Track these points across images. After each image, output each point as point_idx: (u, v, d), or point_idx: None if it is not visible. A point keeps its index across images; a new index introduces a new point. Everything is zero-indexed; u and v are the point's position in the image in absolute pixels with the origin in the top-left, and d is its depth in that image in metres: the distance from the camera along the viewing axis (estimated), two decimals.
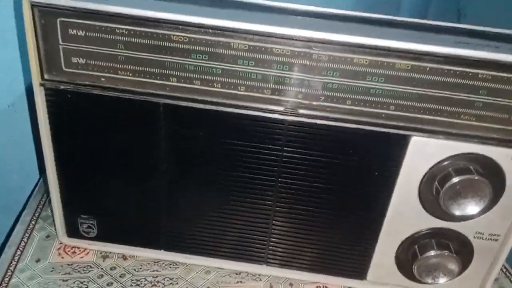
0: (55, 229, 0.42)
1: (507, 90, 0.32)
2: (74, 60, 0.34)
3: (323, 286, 0.42)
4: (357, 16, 0.39)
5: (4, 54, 0.48)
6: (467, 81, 0.32)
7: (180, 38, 0.32)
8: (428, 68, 0.32)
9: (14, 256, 0.41)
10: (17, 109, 0.51)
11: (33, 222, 0.45)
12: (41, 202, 0.48)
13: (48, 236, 0.44)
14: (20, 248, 0.42)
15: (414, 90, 0.32)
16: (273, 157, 0.36)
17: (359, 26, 0.35)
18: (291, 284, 0.42)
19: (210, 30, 0.32)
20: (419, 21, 0.38)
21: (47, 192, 0.49)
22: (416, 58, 0.31)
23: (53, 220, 0.42)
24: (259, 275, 0.42)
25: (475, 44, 0.32)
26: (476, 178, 0.34)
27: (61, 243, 0.43)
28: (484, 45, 0.32)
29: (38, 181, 0.52)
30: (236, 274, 0.42)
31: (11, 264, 0.40)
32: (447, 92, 0.32)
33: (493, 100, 0.32)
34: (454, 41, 0.32)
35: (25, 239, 0.43)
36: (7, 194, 0.57)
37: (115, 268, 0.41)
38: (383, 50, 0.31)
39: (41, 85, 0.35)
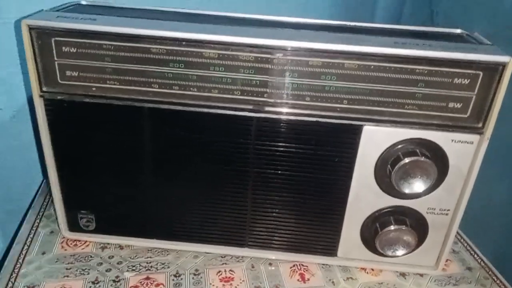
0: (58, 225, 0.47)
1: (441, 82, 0.37)
2: (68, 73, 0.39)
3: (299, 264, 0.47)
4: (315, 24, 0.44)
5: (6, 72, 0.53)
6: (406, 76, 0.37)
7: (159, 50, 0.37)
8: (372, 66, 0.37)
9: (22, 250, 0.46)
10: (20, 119, 0.57)
11: (37, 221, 0.50)
12: (44, 203, 0.53)
13: (51, 232, 0.49)
14: (27, 244, 0.47)
15: (362, 85, 0.38)
16: (246, 150, 0.41)
17: (314, 33, 0.40)
18: (270, 264, 0.46)
19: (184, 42, 0.37)
20: (366, 25, 0.43)
21: (49, 193, 0.54)
22: (361, 58, 0.36)
23: (56, 218, 0.47)
24: (242, 257, 0.47)
25: (412, 44, 0.37)
26: (422, 159, 0.39)
27: (63, 237, 0.47)
28: (420, 44, 0.37)
29: (41, 184, 0.57)
30: (221, 257, 0.47)
31: (19, 258, 0.45)
32: (390, 86, 0.37)
33: (430, 91, 0.37)
34: (394, 42, 0.37)
35: (31, 236, 0.48)
36: (11, 200, 0.62)
37: (113, 256, 0.46)
38: (333, 53, 0.36)
39: (40, 96, 0.40)
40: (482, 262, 0.48)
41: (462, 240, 0.52)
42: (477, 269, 0.47)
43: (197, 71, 0.38)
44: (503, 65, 0.35)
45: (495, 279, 0.46)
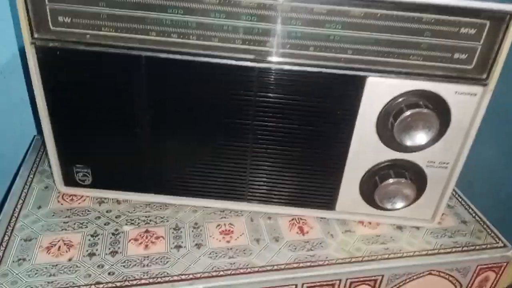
0: (53, 180, 0.46)
1: (448, 32, 0.36)
2: (61, 19, 0.37)
3: (298, 218, 0.47)
4: None
5: None
6: (413, 25, 0.36)
7: None
8: (379, 15, 0.36)
9: (16, 204, 0.45)
10: (8, 75, 0.55)
11: (31, 176, 0.49)
12: (37, 159, 0.52)
13: (46, 187, 0.48)
14: (22, 199, 0.46)
15: (368, 35, 0.37)
16: (247, 102, 0.40)
17: None
18: (269, 218, 0.47)
19: None
20: None
21: (42, 149, 0.53)
22: (367, 6, 0.35)
23: (51, 173, 0.46)
24: (241, 211, 0.47)
25: None
26: (425, 111, 0.38)
27: (59, 192, 0.47)
28: None
29: (32, 140, 0.56)
30: (220, 211, 0.47)
31: (14, 211, 0.44)
32: (396, 36, 0.37)
33: (436, 40, 0.37)
34: None
35: (25, 191, 0.47)
36: (1, 158, 0.60)
37: (110, 211, 0.46)
38: None
39: (32, 43, 0.38)
40: (476, 216, 0.49)
41: (456, 195, 0.52)
42: (472, 222, 0.49)
43: (197, 18, 0.36)
44: (511, 14, 0.35)
45: (489, 232, 0.47)
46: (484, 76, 0.38)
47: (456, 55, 0.37)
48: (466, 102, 0.39)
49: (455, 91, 0.39)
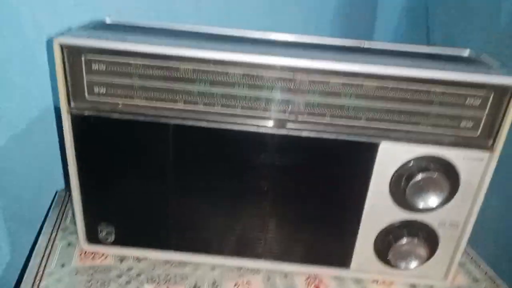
0: (77, 237, 0.48)
1: (455, 102, 0.39)
2: (96, 90, 0.40)
3: (313, 276, 0.48)
4: (332, 44, 0.46)
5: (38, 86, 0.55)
6: (422, 96, 0.39)
7: (186, 69, 0.39)
8: (390, 87, 0.39)
9: (41, 263, 0.46)
10: (35, 131, 0.58)
11: (54, 233, 0.51)
12: (60, 215, 0.54)
13: (69, 245, 0.49)
14: (46, 256, 0.47)
15: (380, 104, 0.39)
16: (267, 165, 0.42)
17: (334, 54, 0.42)
18: (285, 276, 0.48)
19: (212, 62, 0.38)
20: (383, 46, 0.45)
21: (64, 205, 0.55)
22: (380, 79, 0.38)
23: (75, 229, 0.47)
24: (258, 269, 0.48)
25: (428, 66, 0.39)
26: (435, 175, 0.41)
27: (81, 249, 0.48)
28: (434, 66, 0.39)
29: (55, 196, 0.58)
30: (238, 269, 0.48)
31: (39, 270, 0.45)
32: (407, 105, 0.39)
33: (444, 110, 0.39)
34: (410, 64, 0.39)
35: (49, 248, 0.48)
36: (21, 210, 0.62)
37: (131, 268, 0.47)
38: (353, 73, 0.38)
39: (68, 112, 0.41)
40: (487, 273, 0.50)
41: (467, 253, 0.53)
42: (483, 280, 0.49)
43: (222, 89, 0.40)
44: None
45: None
46: (490, 143, 0.40)
47: (463, 123, 0.40)
48: (474, 167, 0.41)
49: (463, 157, 0.41)
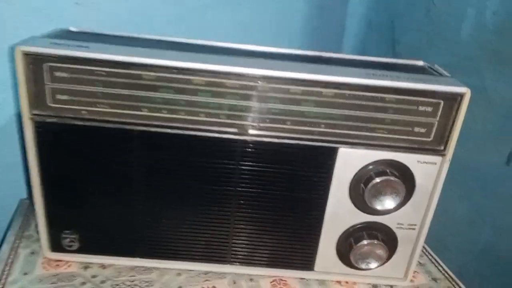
0: (40, 245, 0.47)
1: (408, 109, 0.41)
2: (59, 97, 0.40)
3: (279, 279, 0.49)
4: (294, 54, 0.48)
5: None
6: (377, 103, 0.41)
7: (150, 77, 0.39)
8: (347, 94, 0.40)
9: (3, 271, 0.45)
10: (8, 137, 0.57)
11: (17, 241, 0.50)
12: (23, 223, 0.53)
13: (32, 253, 0.49)
14: (8, 265, 0.46)
15: (338, 111, 0.41)
16: (231, 170, 0.43)
17: (295, 63, 0.43)
18: (251, 279, 0.49)
19: (175, 70, 0.39)
20: (343, 57, 0.47)
21: (28, 212, 0.54)
22: (337, 87, 0.40)
23: (38, 238, 0.47)
24: (224, 273, 0.49)
25: (383, 75, 0.41)
26: (392, 179, 0.42)
27: (45, 257, 0.48)
28: (389, 75, 0.41)
29: (18, 204, 0.57)
30: (204, 274, 0.48)
31: (1, 278, 0.44)
32: (363, 112, 0.41)
33: (398, 117, 0.41)
34: (366, 73, 0.41)
35: (11, 257, 0.48)
36: None
37: (96, 276, 0.47)
38: (312, 82, 0.40)
39: (30, 119, 0.41)
40: (446, 273, 0.53)
41: (427, 253, 0.56)
42: (442, 279, 0.51)
43: (186, 97, 0.40)
44: (461, 95, 0.40)
45: None
46: (442, 147, 0.43)
47: (416, 129, 0.42)
48: (428, 170, 0.44)
49: (417, 160, 0.43)
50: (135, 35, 0.48)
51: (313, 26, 0.79)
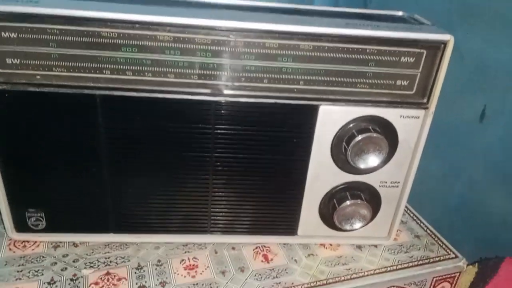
0: (3, 227, 0.44)
1: (390, 61, 0.39)
2: (9, 61, 0.36)
3: (261, 246, 0.47)
4: (268, 7, 0.45)
5: None
6: (358, 56, 0.38)
7: (110, 34, 0.36)
8: (326, 47, 0.38)
9: None
10: None
11: None
12: None
13: None
14: None
15: (317, 66, 0.39)
16: (206, 135, 0.41)
17: (270, 15, 0.40)
18: (233, 248, 0.47)
19: (137, 25, 0.35)
20: (318, 8, 0.44)
21: None
22: (315, 39, 0.37)
23: (1, 218, 0.43)
24: (204, 243, 0.47)
25: (362, 25, 0.39)
26: (374, 135, 0.41)
27: (11, 239, 0.44)
28: (369, 25, 0.39)
29: None
30: (183, 245, 0.46)
31: None
32: (344, 66, 0.39)
33: (380, 69, 0.39)
34: (345, 23, 0.38)
35: None
36: None
37: (67, 255, 0.44)
38: (288, 34, 0.37)
39: None
40: (428, 229, 0.52)
41: (408, 211, 0.55)
42: (424, 236, 0.51)
43: (151, 55, 0.37)
44: (445, 43, 0.38)
45: (441, 244, 0.50)
46: (425, 100, 0.41)
47: (399, 82, 0.40)
48: (411, 125, 0.42)
49: (400, 115, 0.42)
50: None
51: None
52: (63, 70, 0.37)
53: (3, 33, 0.35)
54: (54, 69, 0.37)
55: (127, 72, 0.37)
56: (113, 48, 0.36)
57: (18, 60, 0.36)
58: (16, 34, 0.35)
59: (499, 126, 0.63)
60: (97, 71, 0.37)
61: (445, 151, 0.70)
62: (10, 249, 0.44)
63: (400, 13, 0.47)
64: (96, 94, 0.38)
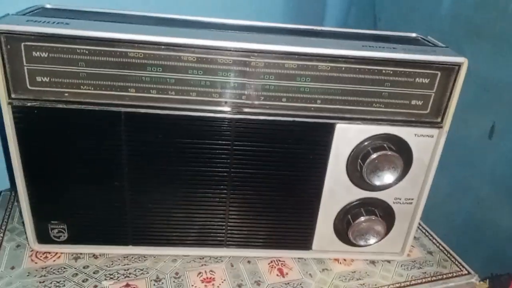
0: (26, 238, 0.45)
1: (405, 82, 0.40)
2: (39, 79, 0.38)
3: (276, 260, 0.48)
4: (286, 28, 0.46)
5: None
6: (374, 76, 0.40)
7: (136, 54, 0.37)
8: (343, 68, 0.39)
9: None
10: None
11: (1, 235, 0.47)
12: (6, 216, 0.50)
13: (18, 246, 0.46)
14: None
15: (334, 86, 0.40)
16: (224, 151, 0.42)
17: (289, 37, 0.42)
18: (249, 262, 0.48)
19: (163, 47, 0.37)
20: (334, 30, 0.45)
21: (11, 205, 0.52)
22: (333, 61, 0.39)
23: (23, 231, 0.45)
24: (221, 257, 0.48)
25: (378, 47, 0.40)
26: (389, 153, 0.42)
27: (32, 250, 0.45)
28: (385, 47, 0.40)
29: None
30: (200, 258, 0.47)
31: None
32: (360, 86, 0.40)
33: (395, 90, 0.40)
34: (362, 45, 0.40)
35: None
36: None
37: (87, 266, 0.45)
38: (307, 55, 0.38)
39: (9, 103, 0.38)
40: (440, 246, 0.53)
41: (420, 227, 0.56)
42: (437, 252, 0.52)
43: (175, 75, 0.38)
44: (459, 65, 0.39)
45: (454, 261, 0.50)
46: (439, 119, 0.42)
47: (414, 102, 0.41)
48: (425, 143, 0.43)
49: (414, 134, 0.43)
50: (117, 11, 0.46)
51: (293, 5, 0.77)
52: (90, 88, 0.38)
53: (34, 53, 0.36)
54: (82, 87, 0.38)
55: (151, 91, 0.39)
56: (139, 68, 0.38)
57: (48, 78, 0.38)
58: (47, 53, 0.37)
59: (508, 142, 0.63)
60: (123, 90, 0.38)
61: (453, 167, 0.71)
62: (32, 260, 0.45)
63: (413, 35, 0.48)
64: (121, 111, 0.39)
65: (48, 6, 0.44)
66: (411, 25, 0.71)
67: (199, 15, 0.62)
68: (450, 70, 0.40)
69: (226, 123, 0.40)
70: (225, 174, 0.43)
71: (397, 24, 0.76)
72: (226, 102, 0.40)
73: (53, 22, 0.37)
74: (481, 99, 0.63)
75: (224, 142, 0.41)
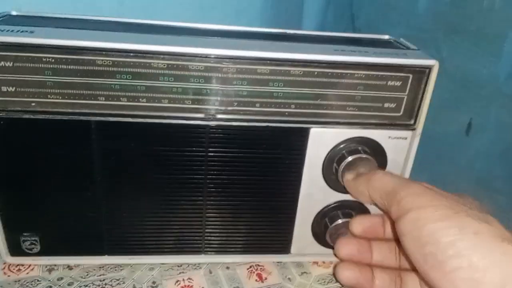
0: None
1: (377, 85, 0.40)
2: (4, 89, 0.37)
3: (255, 265, 0.48)
4: (259, 32, 0.46)
5: None
6: (347, 80, 0.40)
7: (104, 62, 0.36)
8: (315, 73, 0.39)
9: None
10: None
11: None
12: None
13: None
14: None
15: (307, 90, 0.40)
16: (199, 158, 0.41)
17: (261, 42, 0.41)
18: (227, 268, 0.47)
19: (132, 54, 0.36)
20: (307, 33, 0.45)
21: None
22: (305, 65, 0.39)
23: None
24: (199, 264, 0.47)
25: (350, 50, 0.40)
26: (364, 156, 0.42)
27: (5, 263, 0.44)
28: (357, 51, 0.40)
29: None
30: (178, 266, 0.47)
31: None
32: (333, 90, 0.40)
33: (368, 93, 0.41)
34: (334, 49, 0.40)
35: None
36: None
37: (62, 278, 0.44)
38: (279, 61, 0.38)
39: None
40: None
41: None
42: None
43: (146, 82, 0.38)
44: (430, 68, 0.40)
45: None
46: (412, 121, 0.42)
47: (386, 105, 0.42)
48: (399, 145, 0.43)
49: (388, 136, 0.43)
50: (86, 17, 0.45)
51: (272, 3, 0.77)
52: (58, 97, 0.37)
53: None
54: (49, 96, 0.37)
55: (121, 99, 0.38)
56: (108, 76, 0.37)
57: (14, 88, 0.37)
58: (12, 63, 0.36)
59: (485, 138, 0.65)
60: (92, 98, 0.38)
61: (430, 164, 0.72)
62: (4, 273, 0.44)
63: (386, 37, 0.48)
64: (91, 120, 0.38)
65: (14, 13, 0.43)
66: (389, 23, 0.71)
67: (177, 14, 0.62)
68: (422, 73, 0.40)
69: (200, 129, 0.40)
70: (201, 180, 0.43)
71: (375, 22, 0.77)
72: (199, 109, 0.39)
73: (17, 31, 0.36)
74: (458, 96, 0.64)
75: (198, 148, 0.41)
